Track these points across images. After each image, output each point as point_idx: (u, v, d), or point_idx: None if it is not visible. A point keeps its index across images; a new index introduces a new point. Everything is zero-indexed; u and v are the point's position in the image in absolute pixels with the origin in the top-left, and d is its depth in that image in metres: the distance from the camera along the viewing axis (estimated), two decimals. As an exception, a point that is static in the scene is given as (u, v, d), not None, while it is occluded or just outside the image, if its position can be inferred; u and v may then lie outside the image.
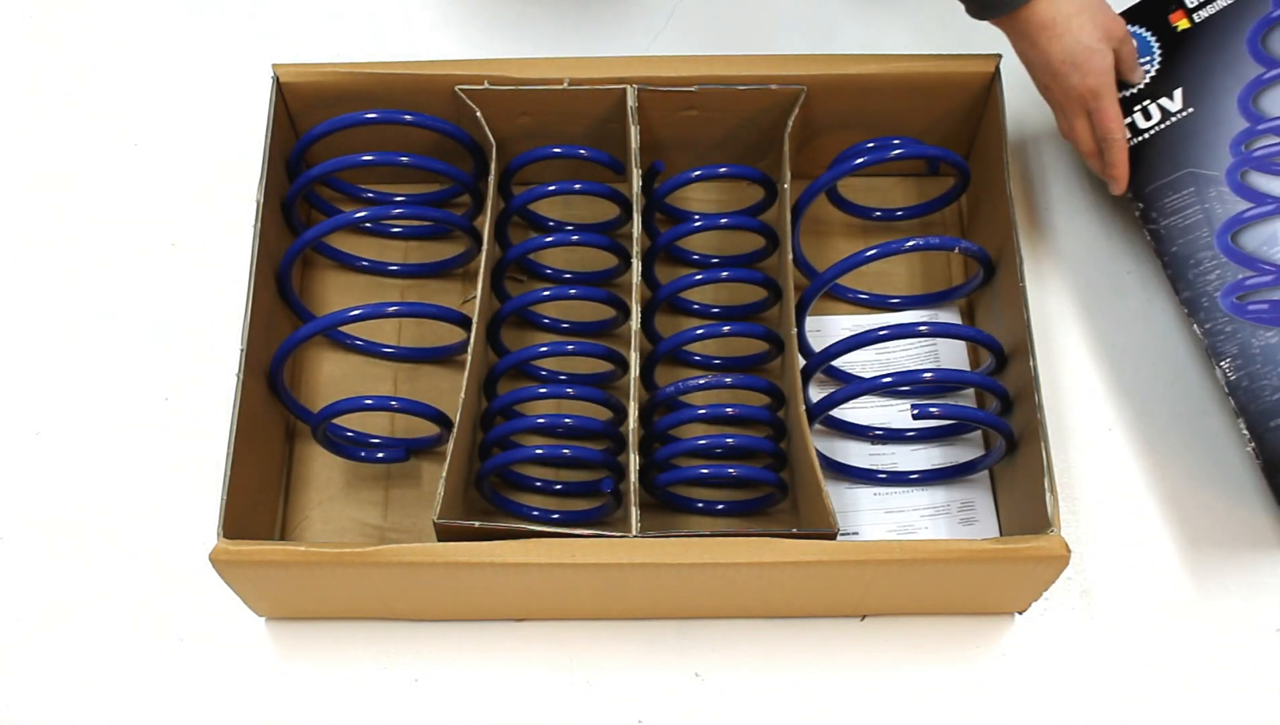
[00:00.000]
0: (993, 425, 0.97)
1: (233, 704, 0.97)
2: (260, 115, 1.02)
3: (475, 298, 0.98)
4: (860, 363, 1.07)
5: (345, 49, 1.17)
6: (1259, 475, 0.97)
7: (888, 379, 0.96)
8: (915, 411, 0.95)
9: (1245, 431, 0.94)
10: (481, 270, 0.98)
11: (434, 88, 1.03)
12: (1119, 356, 1.07)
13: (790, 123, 1.02)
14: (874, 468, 1.03)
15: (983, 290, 1.05)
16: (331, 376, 1.07)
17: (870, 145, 0.99)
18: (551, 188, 1.05)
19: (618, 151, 1.05)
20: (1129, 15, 1.03)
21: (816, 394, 1.01)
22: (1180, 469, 1.03)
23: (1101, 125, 0.99)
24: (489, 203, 1.02)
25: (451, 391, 0.98)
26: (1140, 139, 1.02)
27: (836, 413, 1.02)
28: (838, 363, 1.05)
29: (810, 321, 1.06)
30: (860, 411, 1.05)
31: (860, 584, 0.92)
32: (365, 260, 1.10)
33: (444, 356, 1.08)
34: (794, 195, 1.02)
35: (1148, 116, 1.02)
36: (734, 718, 0.96)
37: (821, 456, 0.97)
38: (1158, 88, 1.02)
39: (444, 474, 0.91)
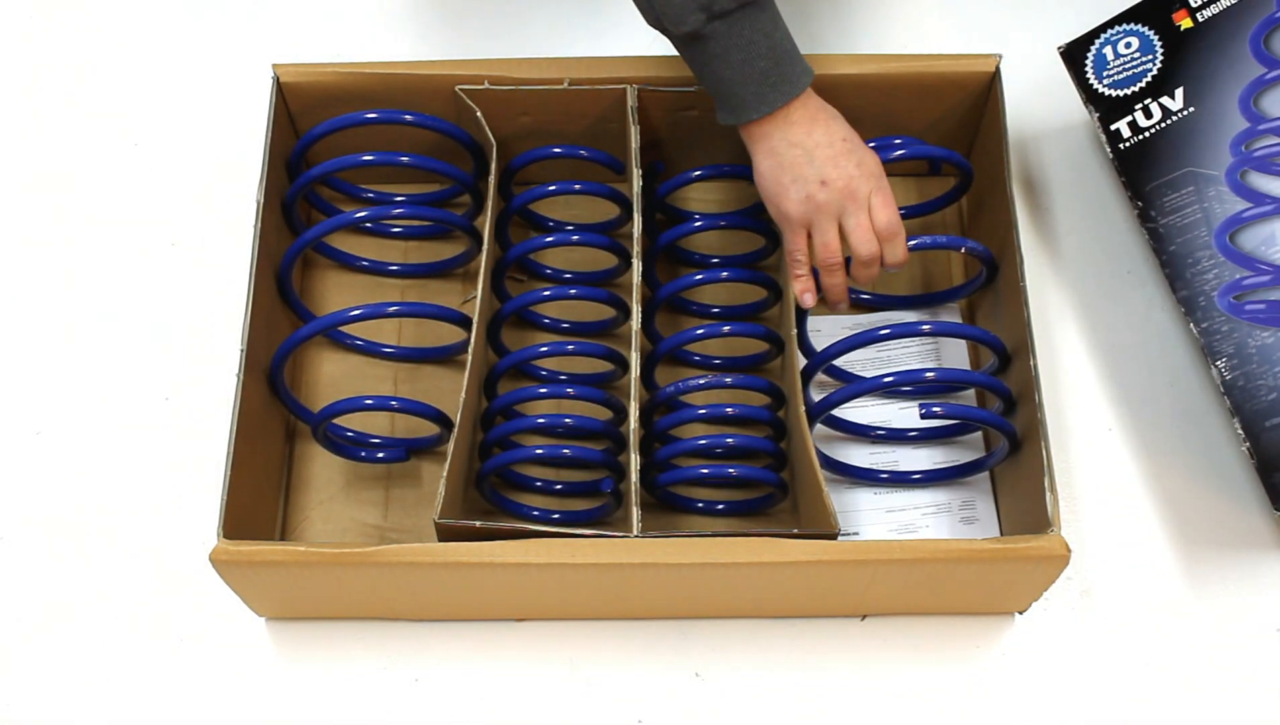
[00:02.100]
0: (997, 425, 0.97)
1: (233, 704, 0.97)
2: (260, 115, 1.02)
3: (475, 298, 0.98)
4: (861, 362, 1.07)
5: (345, 49, 1.18)
6: (1256, 475, 0.97)
7: (889, 378, 0.96)
8: (923, 411, 0.95)
9: (1240, 431, 0.95)
10: (482, 270, 0.98)
11: (434, 88, 1.03)
12: (1119, 356, 1.07)
13: (790, 122, 1.02)
14: (875, 467, 1.03)
15: (983, 290, 1.05)
16: (331, 376, 1.07)
17: (870, 145, 0.99)
18: (552, 188, 1.05)
19: (618, 151, 1.05)
20: (1132, 14, 1.03)
21: (817, 394, 1.01)
22: (1180, 469, 1.03)
23: (881, 221, 0.94)
24: (489, 203, 1.02)
25: (451, 391, 0.98)
26: (1140, 138, 1.02)
27: (837, 412, 1.02)
28: (839, 362, 1.05)
29: (810, 321, 1.05)
30: (861, 411, 1.05)
31: (860, 584, 0.92)
32: (365, 260, 1.10)
33: (444, 356, 1.08)
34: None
35: (1149, 115, 1.02)
36: (734, 718, 0.96)
37: (821, 456, 0.97)
38: (1159, 86, 1.02)
39: (444, 474, 0.91)
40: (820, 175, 0.92)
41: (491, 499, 1.01)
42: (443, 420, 0.99)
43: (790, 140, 0.92)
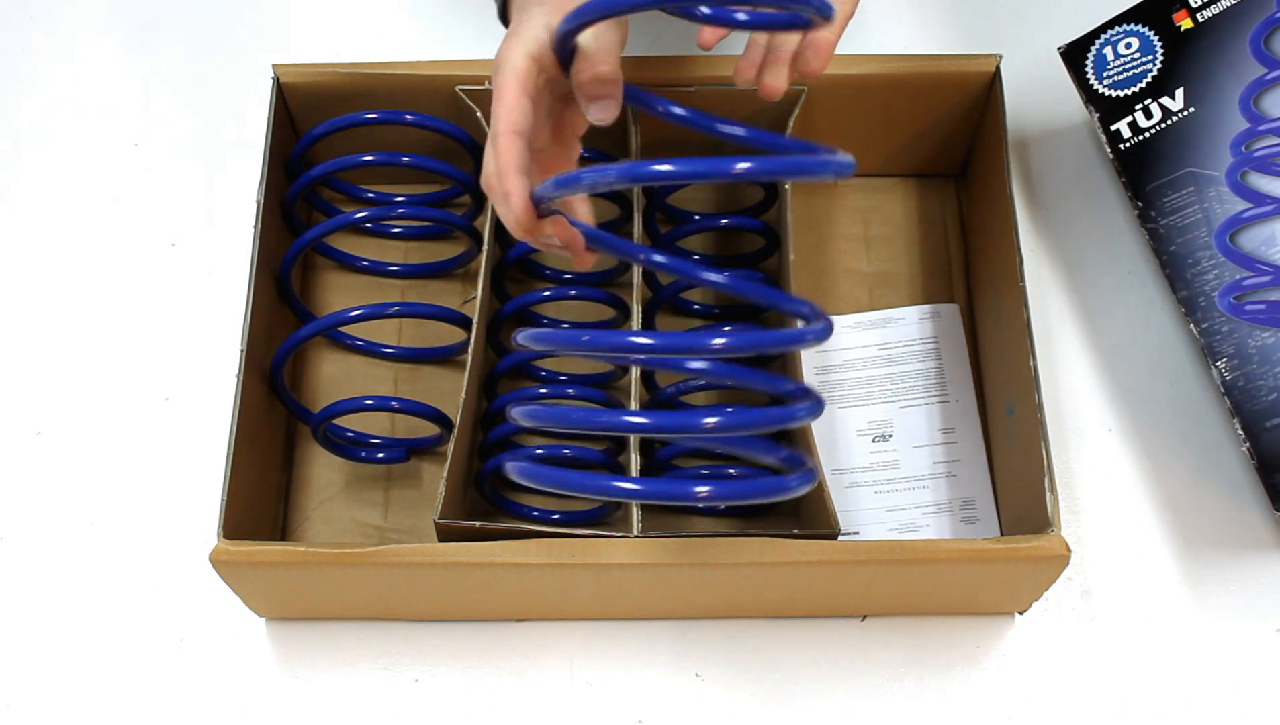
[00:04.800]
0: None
1: (233, 705, 0.97)
2: (260, 115, 1.02)
3: (475, 298, 0.98)
4: (861, 360, 1.07)
5: (345, 49, 1.17)
6: (1256, 475, 0.97)
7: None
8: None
9: (1240, 432, 0.95)
10: (482, 270, 0.98)
11: (434, 88, 1.03)
12: (1119, 356, 1.07)
13: (790, 123, 1.02)
14: (874, 467, 1.03)
15: (982, 290, 1.05)
16: (331, 376, 1.07)
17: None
18: (551, 188, 1.05)
19: (618, 151, 1.05)
20: (1132, 14, 1.03)
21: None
22: (1180, 469, 1.03)
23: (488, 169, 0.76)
24: (489, 203, 1.02)
25: (452, 391, 0.98)
26: (1141, 138, 1.02)
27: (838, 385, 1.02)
28: (832, 350, 1.05)
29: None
30: (860, 410, 1.05)
31: (861, 584, 0.92)
32: (365, 260, 1.10)
33: (444, 356, 1.08)
34: (794, 195, 1.02)
35: (1149, 115, 1.02)
36: (734, 718, 0.96)
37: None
38: (1159, 87, 1.02)
39: (444, 474, 0.91)
40: None
41: (491, 499, 1.01)
42: (443, 420, 0.99)
43: None
